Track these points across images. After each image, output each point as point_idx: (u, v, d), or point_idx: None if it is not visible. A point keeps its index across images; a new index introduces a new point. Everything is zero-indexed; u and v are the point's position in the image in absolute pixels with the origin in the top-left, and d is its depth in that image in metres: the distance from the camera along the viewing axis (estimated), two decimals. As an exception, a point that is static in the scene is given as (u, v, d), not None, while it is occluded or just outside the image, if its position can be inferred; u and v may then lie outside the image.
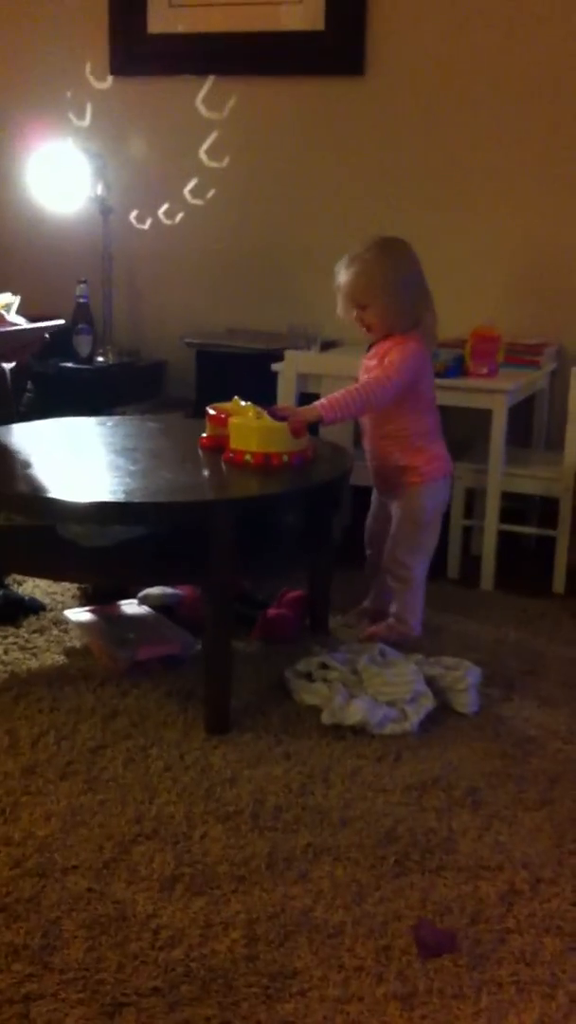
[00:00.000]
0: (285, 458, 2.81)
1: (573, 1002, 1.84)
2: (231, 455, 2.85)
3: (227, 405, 2.99)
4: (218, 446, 2.91)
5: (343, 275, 3.02)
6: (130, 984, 1.85)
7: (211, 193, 4.38)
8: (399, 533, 3.14)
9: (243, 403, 2.97)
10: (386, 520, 3.21)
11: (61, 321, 3.57)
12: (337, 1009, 1.81)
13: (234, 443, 2.86)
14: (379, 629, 3.15)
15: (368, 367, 3.07)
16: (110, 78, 4.46)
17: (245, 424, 2.85)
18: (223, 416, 2.93)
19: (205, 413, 3.02)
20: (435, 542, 3.21)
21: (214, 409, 2.99)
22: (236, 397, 3.01)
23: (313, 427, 3.12)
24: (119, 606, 3.28)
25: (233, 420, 2.88)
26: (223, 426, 2.91)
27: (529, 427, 4.04)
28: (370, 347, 3.12)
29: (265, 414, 2.88)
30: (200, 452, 2.98)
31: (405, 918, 2.03)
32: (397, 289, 2.99)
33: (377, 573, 3.28)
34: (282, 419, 2.86)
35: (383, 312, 3.00)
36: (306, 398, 3.31)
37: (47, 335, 3.60)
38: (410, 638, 3.13)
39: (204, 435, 3.01)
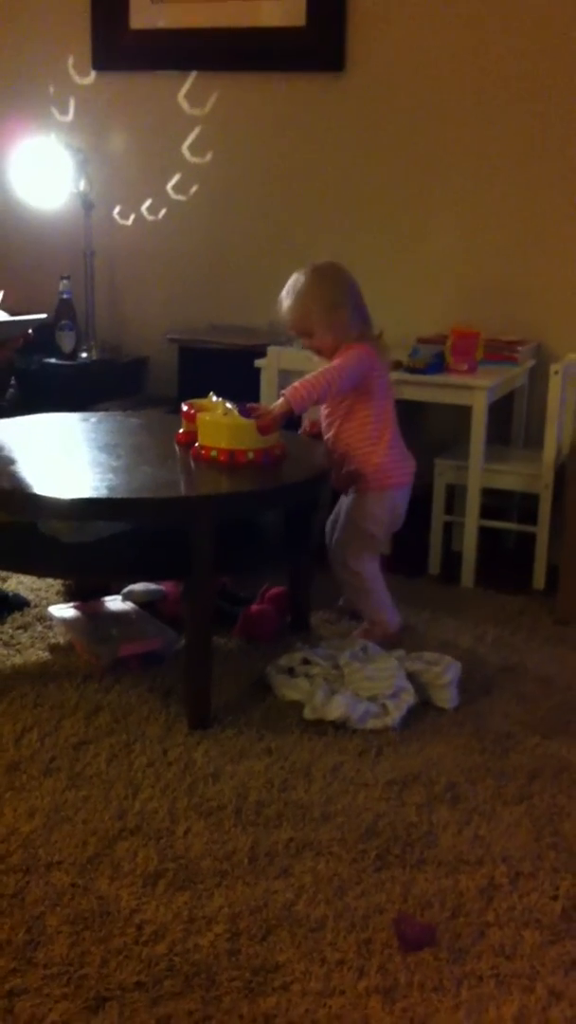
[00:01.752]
0: (250, 455, 2.83)
1: (552, 994, 1.86)
2: (198, 451, 2.87)
3: (203, 401, 3.01)
4: (192, 442, 2.93)
5: (284, 310, 3.09)
6: (113, 979, 1.87)
7: (194, 189, 4.38)
8: (344, 536, 3.16)
9: (215, 399, 2.98)
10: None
11: (43, 316, 3.57)
12: (319, 1003, 1.83)
13: (202, 439, 2.88)
14: (359, 633, 3.17)
15: None
16: (93, 73, 4.46)
17: (212, 420, 2.87)
18: (194, 412, 2.95)
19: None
20: (381, 547, 3.23)
21: (187, 405, 3.00)
22: (211, 393, 3.03)
23: (294, 422, 3.14)
24: (103, 602, 3.29)
25: (201, 416, 2.89)
26: (194, 422, 2.93)
27: (509, 424, 4.06)
28: None
29: (235, 411, 2.89)
30: (176, 448, 2.99)
31: (386, 912, 2.05)
32: (333, 311, 3.04)
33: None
34: (251, 416, 2.87)
35: (325, 334, 3.06)
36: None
37: (31, 331, 3.60)
38: (389, 635, 3.15)
39: (180, 431, 3.02)
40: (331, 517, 3.25)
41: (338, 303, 3.04)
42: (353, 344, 3.03)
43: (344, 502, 3.22)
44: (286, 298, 3.08)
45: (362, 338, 3.05)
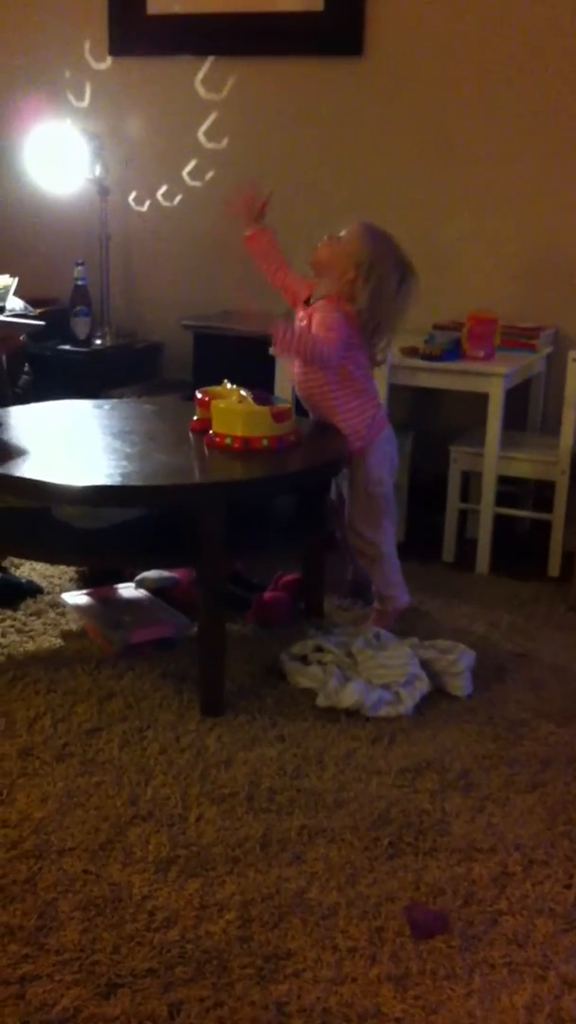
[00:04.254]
0: (265, 442, 2.82)
1: (565, 983, 1.86)
2: (212, 438, 2.86)
3: (217, 389, 3.00)
4: (207, 429, 2.92)
5: (333, 236, 3.04)
6: (125, 965, 1.87)
7: (210, 175, 4.36)
8: (355, 509, 3.15)
9: (230, 386, 2.98)
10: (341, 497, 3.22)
11: (41, 323, 3.55)
12: (330, 990, 1.83)
13: (216, 426, 2.87)
14: (373, 619, 3.16)
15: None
16: (109, 58, 4.44)
17: (227, 408, 2.86)
18: (208, 400, 2.94)
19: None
20: (392, 505, 3.19)
21: (202, 392, 3.00)
22: (225, 380, 3.02)
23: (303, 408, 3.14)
24: (116, 589, 3.29)
25: (215, 403, 2.89)
26: (208, 409, 2.92)
27: (525, 410, 4.04)
28: (306, 301, 3.10)
29: (249, 398, 2.88)
30: (191, 435, 2.99)
31: (398, 900, 2.05)
32: (362, 263, 2.97)
33: (344, 537, 3.30)
34: (264, 403, 2.86)
35: (338, 276, 2.98)
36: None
37: (22, 337, 3.60)
38: (400, 609, 3.14)
39: (195, 418, 3.01)
40: (332, 493, 3.23)
41: (365, 268, 2.96)
42: (328, 301, 2.99)
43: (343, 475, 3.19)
44: (347, 231, 3.03)
45: (350, 301, 3.00)
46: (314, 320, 2.99)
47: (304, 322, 3.03)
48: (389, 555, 3.17)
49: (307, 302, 3.08)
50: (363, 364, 3.09)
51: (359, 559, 3.25)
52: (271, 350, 3.25)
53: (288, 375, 3.37)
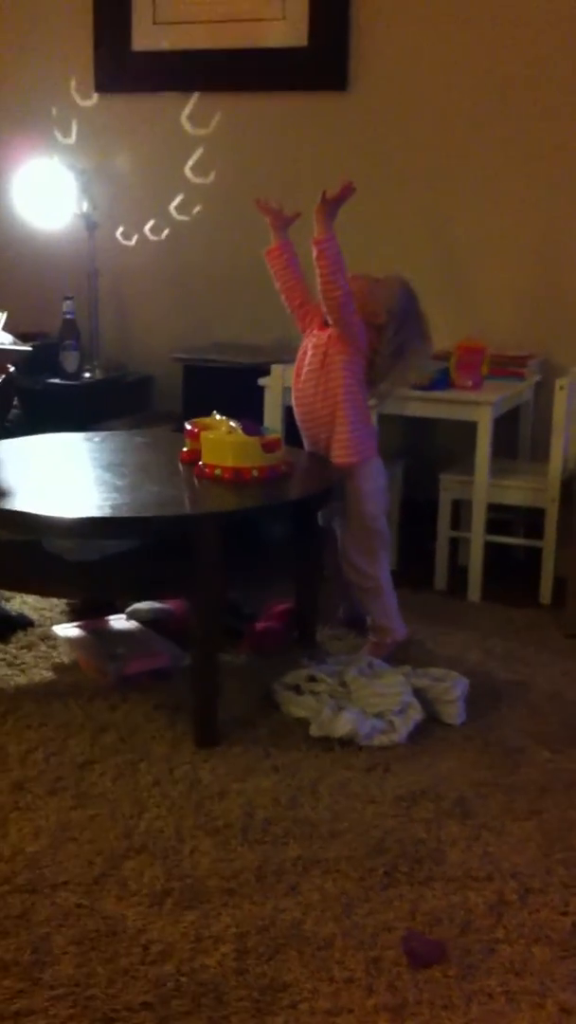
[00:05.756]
0: (255, 472, 2.83)
1: (563, 1011, 1.84)
2: (203, 469, 2.87)
3: (206, 420, 3.01)
4: (197, 460, 2.93)
5: (373, 279, 3.12)
6: (120, 999, 1.85)
7: (197, 209, 4.39)
8: (348, 537, 3.15)
9: (219, 417, 2.99)
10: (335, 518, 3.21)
11: (28, 348, 3.56)
12: (327, 1021, 1.81)
13: (206, 457, 2.88)
14: (368, 649, 3.15)
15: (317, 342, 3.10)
16: (95, 95, 4.48)
17: (216, 439, 2.87)
18: (197, 431, 2.95)
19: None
20: (387, 537, 3.22)
21: (191, 424, 3.01)
22: (214, 412, 3.03)
23: (297, 437, 3.15)
24: (107, 621, 3.28)
25: (204, 434, 2.90)
26: (198, 440, 2.93)
27: (515, 438, 4.05)
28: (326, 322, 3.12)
29: (239, 429, 2.89)
30: (181, 467, 2.99)
31: (395, 929, 2.04)
32: (396, 314, 3.06)
33: (337, 574, 3.30)
34: (254, 434, 2.87)
35: (360, 310, 3.02)
36: (292, 412, 3.31)
37: (11, 367, 3.61)
38: (399, 641, 3.14)
39: (184, 449, 3.02)
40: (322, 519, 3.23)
41: (398, 320, 3.06)
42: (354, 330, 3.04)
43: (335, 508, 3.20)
44: (386, 278, 3.11)
45: (357, 351, 3.05)
46: (337, 339, 3.02)
47: (321, 346, 3.07)
48: (386, 587, 3.18)
49: (327, 324, 3.11)
50: (362, 373, 3.12)
51: (356, 592, 3.24)
52: (261, 380, 3.24)
53: (276, 399, 3.38)
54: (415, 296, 3.13)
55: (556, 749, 2.70)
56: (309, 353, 3.12)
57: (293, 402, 3.21)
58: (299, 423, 3.19)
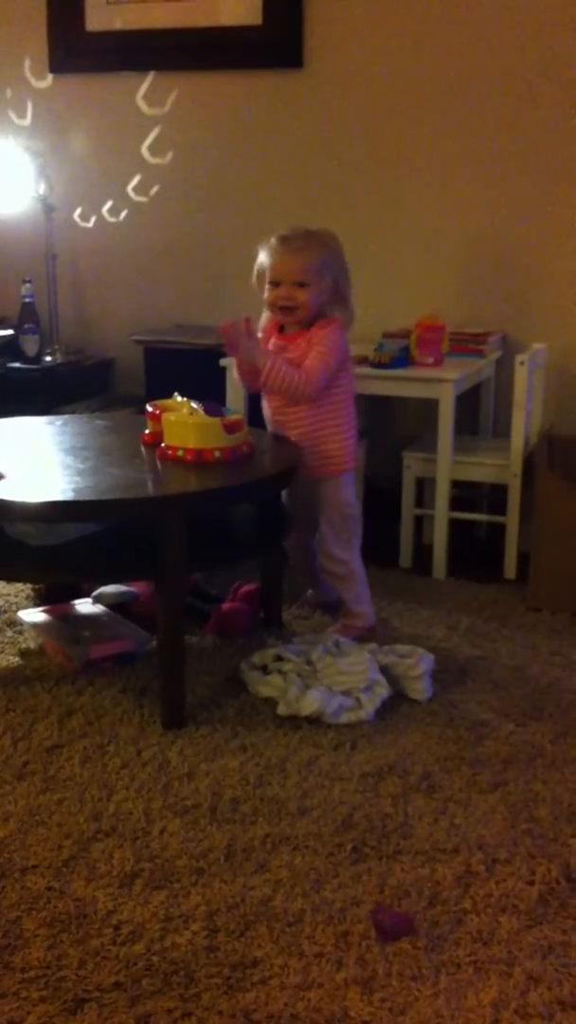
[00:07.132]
0: (217, 454, 2.82)
1: (530, 979, 1.87)
2: (165, 451, 2.87)
3: (167, 402, 3.00)
4: (159, 442, 2.92)
5: (281, 254, 2.99)
6: (91, 980, 1.86)
7: (155, 189, 4.37)
8: (328, 529, 3.16)
9: (180, 399, 2.98)
10: (299, 505, 3.20)
11: (9, 332, 3.53)
12: (298, 996, 1.83)
13: (168, 439, 2.87)
14: (335, 629, 3.16)
15: (293, 348, 3.06)
16: (50, 76, 4.43)
17: (178, 420, 2.86)
18: (159, 413, 2.94)
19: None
20: (359, 523, 3.23)
21: (152, 406, 3.00)
22: (175, 394, 3.02)
23: (260, 419, 3.15)
24: (73, 606, 3.28)
25: (166, 416, 2.89)
26: (160, 422, 2.92)
27: (477, 415, 4.07)
28: (280, 328, 3.11)
29: (200, 410, 2.88)
30: (143, 449, 2.98)
31: (363, 904, 2.05)
32: (345, 281, 3.04)
33: (303, 560, 3.32)
34: (216, 415, 2.86)
35: (319, 295, 3.00)
36: (253, 395, 3.31)
37: None
38: (368, 628, 3.15)
39: (146, 432, 3.01)
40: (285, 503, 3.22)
41: (343, 266, 3.04)
42: (327, 320, 3.02)
43: (294, 493, 3.19)
44: (291, 243, 3.00)
45: (343, 308, 3.05)
46: (320, 343, 3.00)
47: (296, 352, 3.04)
48: (359, 573, 3.19)
49: (282, 330, 3.09)
50: (350, 378, 3.12)
51: (329, 580, 3.25)
52: (223, 360, 3.24)
53: (236, 383, 3.37)
54: (310, 233, 3.03)
55: (519, 722, 2.73)
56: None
57: (266, 409, 3.20)
58: (272, 427, 3.18)
